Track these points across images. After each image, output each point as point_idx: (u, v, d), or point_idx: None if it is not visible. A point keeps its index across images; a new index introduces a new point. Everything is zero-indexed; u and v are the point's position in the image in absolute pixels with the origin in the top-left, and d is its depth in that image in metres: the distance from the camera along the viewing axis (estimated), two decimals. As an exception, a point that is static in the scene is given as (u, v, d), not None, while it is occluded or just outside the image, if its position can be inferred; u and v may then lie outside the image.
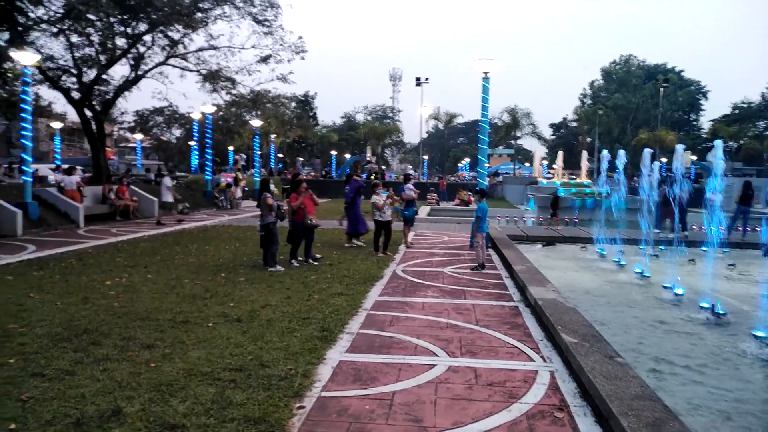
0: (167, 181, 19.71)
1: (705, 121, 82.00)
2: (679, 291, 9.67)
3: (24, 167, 16.42)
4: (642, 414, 3.90)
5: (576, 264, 13.04)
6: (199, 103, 36.15)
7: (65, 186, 18.00)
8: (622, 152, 15.66)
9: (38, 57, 17.82)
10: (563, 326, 6.05)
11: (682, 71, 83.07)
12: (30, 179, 16.24)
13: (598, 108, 72.59)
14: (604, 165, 18.20)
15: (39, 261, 10.73)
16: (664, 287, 10.10)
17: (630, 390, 4.31)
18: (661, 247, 14.55)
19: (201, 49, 24.35)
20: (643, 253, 13.25)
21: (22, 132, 16.53)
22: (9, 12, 16.71)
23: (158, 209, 20.41)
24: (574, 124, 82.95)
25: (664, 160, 47.47)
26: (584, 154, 41.28)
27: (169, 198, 19.53)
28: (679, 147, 12.67)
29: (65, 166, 22.62)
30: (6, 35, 17.69)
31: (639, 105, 77.85)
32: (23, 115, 16.03)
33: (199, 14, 22.96)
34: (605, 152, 18.47)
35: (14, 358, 5.17)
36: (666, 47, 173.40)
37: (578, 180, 37.47)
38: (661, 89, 63.83)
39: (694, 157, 59.54)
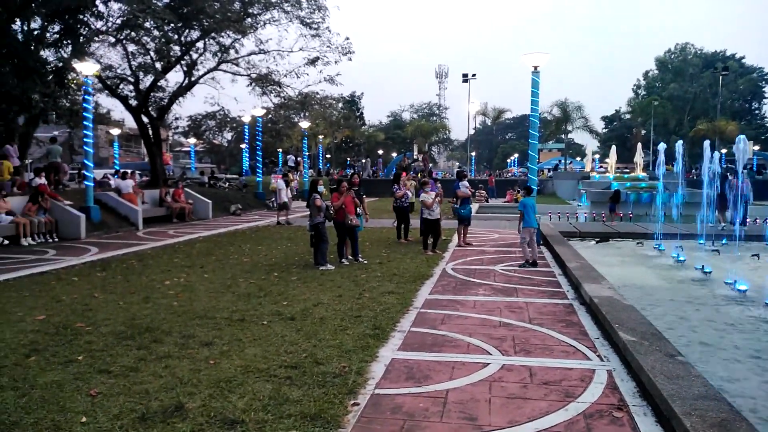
0: (281, 183, 19.98)
1: (769, 110, 78.20)
2: (743, 287, 9.27)
3: (86, 173, 17.16)
4: (706, 414, 3.76)
5: (633, 260, 12.68)
6: (249, 106, 37.06)
7: (122, 190, 18.73)
8: (680, 143, 15.12)
9: (98, 67, 18.62)
10: (620, 324, 5.89)
11: (743, 58, 79.39)
12: (92, 184, 16.97)
13: (653, 99, 70.18)
14: (661, 157, 17.62)
15: (102, 262, 11.20)
16: (726, 283, 9.71)
17: (693, 389, 4.16)
18: (723, 241, 13.97)
19: (251, 54, 24.90)
20: (703, 248, 12.76)
21: (84, 139, 17.28)
22: (72, 26, 17.50)
23: (277, 210, 20.65)
24: (628, 116, 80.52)
25: (724, 151, 45.57)
26: (639, 147, 40.03)
27: (283, 198, 19.79)
28: (741, 137, 12.12)
29: (122, 171, 23.51)
30: (69, 48, 18.56)
31: (696, 95, 74.84)
32: (85, 122, 16.76)
33: (248, 20, 23.48)
34: (662, 145, 17.88)
35: (82, 356, 5.43)
36: (725, 33, 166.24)
37: (633, 174, 36.37)
38: (720, 77, 61.21)
39: (757, 147, 56.86)
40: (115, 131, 38.72)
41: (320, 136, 51.38)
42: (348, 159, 68.07)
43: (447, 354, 5.58)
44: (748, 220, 17.19)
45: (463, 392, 4.62)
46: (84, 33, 18.39)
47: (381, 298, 7.91)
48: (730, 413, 3.82)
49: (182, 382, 4.73)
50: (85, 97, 16.83)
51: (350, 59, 25.71)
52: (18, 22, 17.61)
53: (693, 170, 44.49)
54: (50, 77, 17.59)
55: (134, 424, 3.96)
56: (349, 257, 11.09)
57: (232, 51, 24.27)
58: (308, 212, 10.82)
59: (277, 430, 3.88)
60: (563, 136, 67.10)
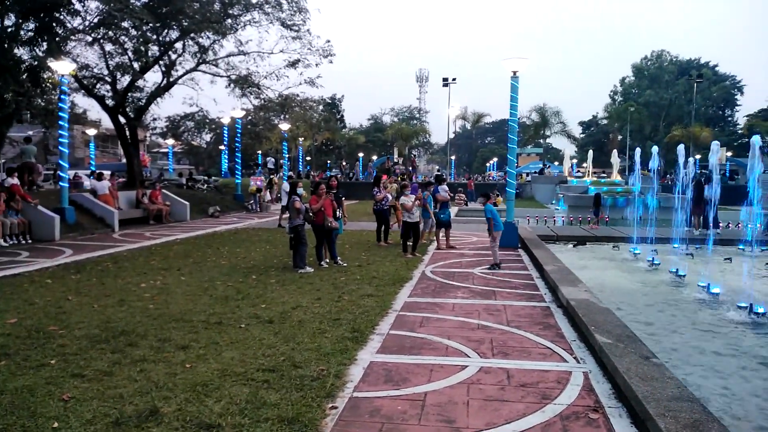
0: (286, 186, 19.47)
1: (741, 117, 79.80)
2: (716, 290, 9.44)
3: (61, 173, 16.87)
4: (680, 415, 3.82)
5: (609, 264, 12.85)
6: (228, 108, 36.73)
7: (98, 191, 18.45)
8: (655, 148, 15.36)
9: (74, 66, 18.33)
10: (596, 326, 5.96)
11: (716, 66, 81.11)
12: (66, 185, 16.68)
13: (630, 105, 71.23)
14: (637, 163, 17.88)
15: (76, 264, 11.01)
16: (700, 286, 9.88)
17: (667, 391, 4.23)
18: (695, 246, 14.23)
19: (230, 55, 24.77)
20: (677, 252, 12.98)
21: (60, 139, 16.99)
22: (48, 24, 17.19)
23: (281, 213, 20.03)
24: (605, 121, 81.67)
25: (698, 156, 46.41)
26: (615, 152, 40.59)
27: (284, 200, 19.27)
28: (714, 144, 12.37)
29: (98, 172, 23.19)
30: (44, 46, 18.23)
31: (672, 101, 76.23)
32: (60, 122, 16.47)
33: (228, 21, 23.33)
34: (638, 150, 18.15)
35: (55, 359, 5.32)
36: (699, 42, 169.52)
37: (609, 179, 36.86)
38: (695, 85, 62.41)
39: (729, 154, 58.02)
40: (92, 131, 38.08)
41: (300, 139, 51.22)
42: (329, 162, 67.94)
43: (425, 357, 5.59)
44: (720, 224, 17.53)
45: (442, 395, 4.63)
46: (60, 31, 18.08)
47: (360, 300, 7.90)
48: (702, 414, 3.89)
49: (158, 386, 4.67)
50: (61, 96, 16.55)
51: (331, 62, 25.73)
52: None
53: (668, 175, 45.20)
54: (24, 76, 17.25)
55: (108, 429, 3.89)
56: (328, 260, 11.06)
57: (211, 52, 24.10)
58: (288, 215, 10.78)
59: (254, 434, 3.84)
60: (541, 140, 67.85)
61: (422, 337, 6.28)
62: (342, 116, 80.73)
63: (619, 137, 69.66)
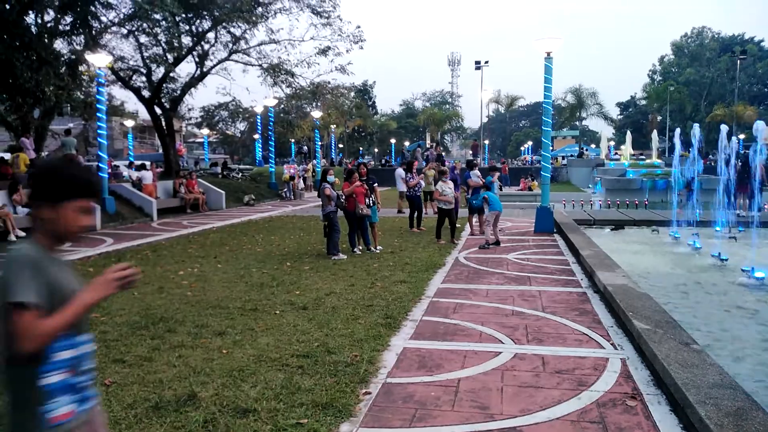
0: (401, 172, 18.27)
1: (789, 94, 76.61)
2: (760, 274, 9.13)
3: (100, 164, 17.30)
4: (721, 403, 3.71)
5: (648, 248, 12.55)
6: (261, 96, 37.07)
7: (143, 181, 18.89)
8: (696, 128, 14.86)
9: (110, 58, 18.70)
10: (634, 312, 5.83)
11: (761, 41, 77.84)
12: (106, 175, 17.10)
13: (669, 84, 69.17)
14: (677, 143, 17.34)
15: (117, 253, 11.31)
16: (743, 270, 9.56)
17: (708, 378, 4.11)
18: (739, 229, 13.78)
19: (262, 44, 24.92)
20: (720, 236, 12.59)
21: (98, 131, 17.40)
22: (84, 18, 17.57)
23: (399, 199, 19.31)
24: (643, 102, 79.52)
25: (741, 136, 44.81)
26: (654, 134, 39.53)
27: (402, 188, 18.80)
28: (759, 122, 11.90)
29: (138, 163, 23.71)
30: (82, 39, 18.66)
31: (713, 79, 73.59)
32: (98, 114, 16.87)
33: (259, 9, 23.44)
34: (678, 131, 17.60)
35: (97, 345, 5.48)
36: (743, 17, 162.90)
37: (648, 161, 35.95)
38: (738, 61, 60.11)
39: (776, 133, 55.84)
40: (129, 123, 38.93)
41: (332, 126, 51.36)
42: (361, 149, 68.00)
43: (459, 343, 5.57)
44: (766, 206, 16.93)
45: (475, 381, 4.61)
46: (95, 25, 18.46)
47: (393, 287, 7.91)
48: (746, 402, 3.77)
49: (195, 371, 4.77)
50: (98, 89, 16.92)
51: (361, 48, 25.66)
52: (32, 15, 17.72)
53: (710, 156, 43.85)
54: (63, 69, 17.69)
55: (147, 413, 4.00)
56: (361, 247, 11.09)
57: (242, 41, 24.30)
58: (321, 202, 10.84)
59: (289, 418, 3.89)
60: (578, 123, 66.50)
61: (456, 323, 6.25)
62: (374, 102, 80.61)
63: (659, 118, 67.73)
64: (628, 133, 39.73)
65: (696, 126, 15.25)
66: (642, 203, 20.20)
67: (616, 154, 46.36)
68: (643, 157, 39.69)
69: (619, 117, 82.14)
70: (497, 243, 11.72)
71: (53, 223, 2.00)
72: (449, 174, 13.11)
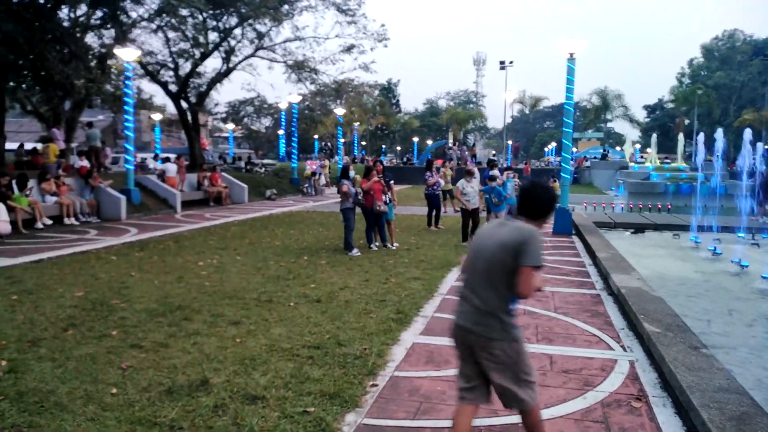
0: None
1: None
2: (781, 282, 9.00)
3: (127, 156, 17.66)
4: (726, 407, 3.72)
5: (667, 252, 12.42)
6: (285, 93, 37.38)
7: (167, 173, 19.25)
8: (720, 132, 14.64)
9: (139, 53, 19.06)
10: (646, 315, 5.83)
11: (796, 44, 75.97)
12: (132, 167, 17.46)
13: (697, 87, 67.85)
14: (701, 148, 17.09)
15: (140, 243, 11.57)
16: (764, 278, 9.44)
17: (714, 382, 4.12)
18: (763, 235, 13.55)
19: (287, 41, 25.18)
20: (742, 241, 12.41)
21: (125, 123, 17.76)
22: (115, 13, 17.95)
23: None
24: (671, 105, 78.12)
25: (772, 142, 43.85)
26: (681, 137, 38.90)
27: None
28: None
29: (163, 156, 24.14)
30: (112, 33, 19.06)
31: (744, 83, 71.99)
32: (126, 107, 17.23)
33: (285, 6, 23.67)
34: (702, 135, 17.35)
35: (116, 330, 5.66)
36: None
37: (673, 164, 35.41)
38: (771, 65, 58.78)
39: (808, 139, 54.51)
40: (157, 116, 39.51)
41: (355, 123, 51.55)
42: (383, 146, 68.12)
43: (468, 340, 5.61)
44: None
45: (482, 377, 4.66)
46: (125, 20, 18.84)
47: (407, 283, 7.99)
48: (751, 407, 3.78)
49: (209, 358, 4.91)
50: (126, 82, 17.27)
51: (386, 46, 25.78)
52: (65, 10, 18.15)
53: (736, 161, 42.98)
54: (93, 63, 18.10)
55: (161, 397, 4.14)
56: (377, 243, 11.18)
57: (268, 38, 24.56)
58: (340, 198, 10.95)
59: (297, 406, 4.00)
60: (602, 125, 65.70)
61: (466, 320, 6.29)
62: (398, 101, 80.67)
63: (686, 121, 66.53)
64: (654, 136, 39.17)
65: (720, 130, 15.02)
66: (665, 207, 19.94)
67: (641, 157, 45.72)
68: (668, 160, 39.12)
69: (646, 120, 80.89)
70: None
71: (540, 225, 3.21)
72: (475, 174, 12.72)
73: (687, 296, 8.38)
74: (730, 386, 4.09)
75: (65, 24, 17.88)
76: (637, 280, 7.65)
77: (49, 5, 16.01)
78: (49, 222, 13.68)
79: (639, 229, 15.34)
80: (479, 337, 3.16)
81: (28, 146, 22.27)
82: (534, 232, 3.05)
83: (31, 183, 13.79)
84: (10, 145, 21.66)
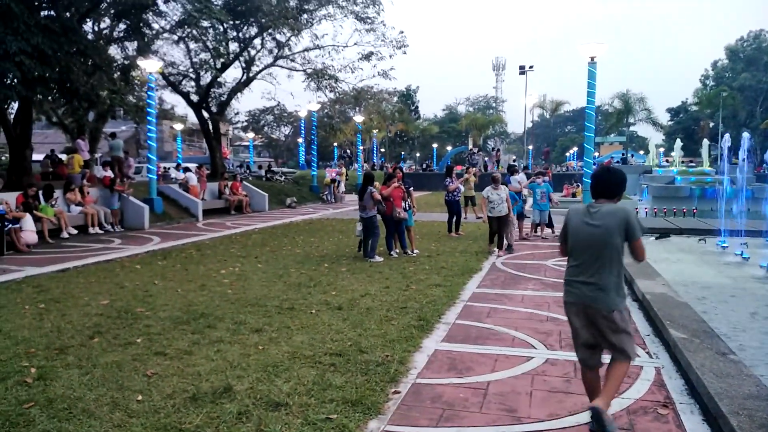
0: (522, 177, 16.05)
1: None
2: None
3: (149, 166, 17.93)
4: (756, 414, 3.64)
5: (692, 257, 12.22)
6: (305, 101, 37.65)
7: (189, 182, 19.50)
8: (745, 134, 14.40)
9: (161, 64, 19.39)
10: (672, 321, 5.74)
11: (824, 44, 74.48)
12: (155, 177, 17.72)
13: (722, 89, 66.80)
14: (726, 151, 16.81)
15: (163, 251, 11.72)
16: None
17: (743, 389, 4.03)
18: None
19: (306, 50, 25.39)
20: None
21: (148, 134, 18.04)
22: (138, 25, 18.30)
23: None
24: (695, 108, 77.01)
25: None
26: (705, 141, 38.36)
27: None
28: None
29: (184, 166, 24.45)
30: (135, 45, 19.41)
31: (771, 85, 70.77)
32: (148, 118, 17.51)
33: (304, 16, 23.90)
34: (727, 137, 17.07)
35: (141, 338, 5.74)
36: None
37: (698, 168, 34.88)
38: (798, 66, 57.66)
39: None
40: (179, 126, 40.11)
41: (374, 131, 51.69)
42: (402, 153, 68.18)
43: (491, 347, 5.59)
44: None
45: (505, 384, 4.63)
46: (147, 32, 19.18)
47: (428, 290, 7.96)
48: (782, 414, 3.69)
49: (232, 365, 4.94)
50: (149, 93, 17.56)
51: (404, 53, 25.86)
52: (89, 23, 18.54)
53: (764, 164, 42.18)
54: (117, 74, 18.44)
55: (185, 404, 4.18)
56: (398, 250, 11.18)
57: (287, 48, 24.79)
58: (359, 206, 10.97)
59: (319, 413, 4.00)
60: (625, 128, 65.00)
61: (488, 327, 6.27)
62: (417, 107, 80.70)
63: (711, 124, 65.53)
64: (678, 139, 38.65)
65: (745, 133, 14.77)
66: (690, 211, 19.64)
67: (665, 161, 45.14)
68: (693, 164, 38.55)
69: (669, 123, 79.77)
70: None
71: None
72: (500, 180, 12.42)
73: (714, 301, 8.22)
74: (760, 393, 4.00)
75: (89, 37, 18.27)
76: (662, 285, 7.53)
77: (74, 18, 16.37)
78: (74, 231, 13.94)
79: (664, 234, 15.10)
80: (600, 309, 3.78)
81: (62, 156, 22.64)
82: (628, 209, 3.78)
83: (57, 193, 14.07)
84: (36, 156, 22.10)
